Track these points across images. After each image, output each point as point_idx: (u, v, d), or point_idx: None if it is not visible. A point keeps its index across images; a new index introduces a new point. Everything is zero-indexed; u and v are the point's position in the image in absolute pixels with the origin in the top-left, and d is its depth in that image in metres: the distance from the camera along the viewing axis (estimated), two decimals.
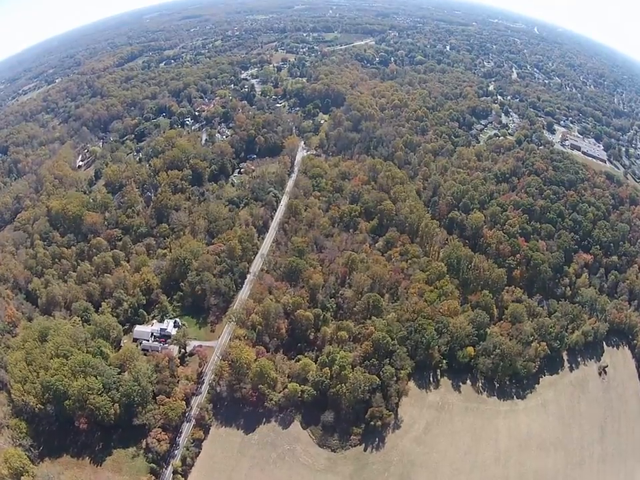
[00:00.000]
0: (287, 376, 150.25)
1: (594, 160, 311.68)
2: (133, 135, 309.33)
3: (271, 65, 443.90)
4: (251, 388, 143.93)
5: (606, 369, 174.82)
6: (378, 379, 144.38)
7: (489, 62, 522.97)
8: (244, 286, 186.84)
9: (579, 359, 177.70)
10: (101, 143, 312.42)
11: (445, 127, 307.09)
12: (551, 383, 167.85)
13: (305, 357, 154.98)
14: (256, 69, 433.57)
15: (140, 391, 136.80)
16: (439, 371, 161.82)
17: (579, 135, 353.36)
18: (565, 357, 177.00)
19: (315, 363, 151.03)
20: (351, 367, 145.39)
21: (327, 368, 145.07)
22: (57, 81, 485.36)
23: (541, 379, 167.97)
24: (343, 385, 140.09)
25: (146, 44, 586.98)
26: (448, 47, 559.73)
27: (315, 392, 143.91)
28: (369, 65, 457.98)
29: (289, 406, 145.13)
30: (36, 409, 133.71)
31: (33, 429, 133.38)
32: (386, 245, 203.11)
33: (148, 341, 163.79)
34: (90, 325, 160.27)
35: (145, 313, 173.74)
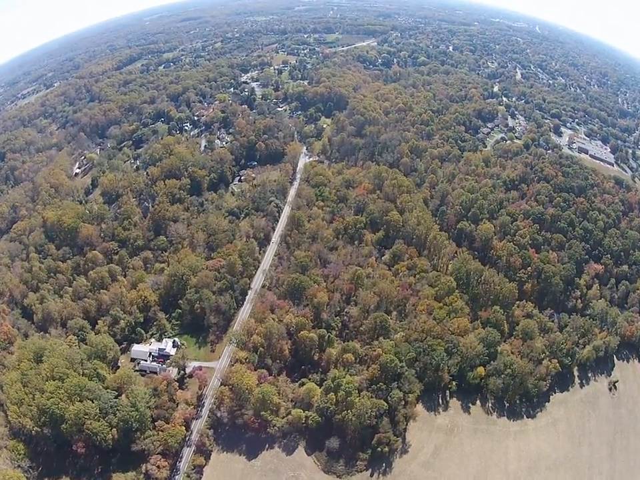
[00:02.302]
0: (290, 400, 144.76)
1: (601, 163, 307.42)
2: (131, 141, 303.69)
3: (272, 68, 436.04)
4: (253, 414, 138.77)
5: (616, 384, 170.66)
6: (385, 404, 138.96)
7: (492, 62, 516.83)
8: (245, 303, 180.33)
9: (590, 375, 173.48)
10: (98, 150, 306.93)
11: (451, 131, 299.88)
12: (561, 400, 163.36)
13: (309, 380, 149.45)
14: (256, 71, 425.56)
15: (138, 416, 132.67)
16: (448, 392, 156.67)
17: (586, 137, 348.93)
18: (576, 373, 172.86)
19: (320, 387, 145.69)
20: (357, 391, 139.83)
21: (332, 393, 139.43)
22: (55, 84, 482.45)
23: (551, 396, 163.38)
24: (349, 411, 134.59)
25: (145, 46, 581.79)
26: (451, 48, 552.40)
27: (319, 418, 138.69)
28: (371, 66, 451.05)
29: (292, 432, 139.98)
30: (33, 431, 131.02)
31: (31, 450, 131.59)
32: (393, 258, 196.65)
33: (146, 361, 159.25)
34: (86, 344, 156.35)
35: (142, 331, 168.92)
